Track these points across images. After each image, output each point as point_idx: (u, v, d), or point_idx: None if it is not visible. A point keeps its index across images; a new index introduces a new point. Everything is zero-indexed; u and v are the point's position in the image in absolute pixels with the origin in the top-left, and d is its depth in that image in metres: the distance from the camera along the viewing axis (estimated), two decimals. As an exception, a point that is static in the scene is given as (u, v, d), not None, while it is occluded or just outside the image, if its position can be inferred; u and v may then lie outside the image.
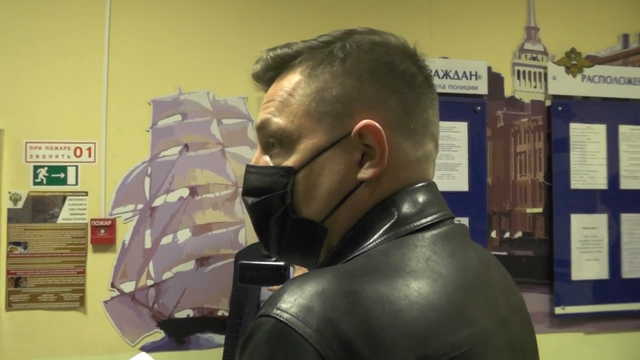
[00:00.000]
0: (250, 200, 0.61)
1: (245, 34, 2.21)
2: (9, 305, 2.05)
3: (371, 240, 0.55)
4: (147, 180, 2.12)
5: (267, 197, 0.59)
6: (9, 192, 2.08)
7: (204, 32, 2.20)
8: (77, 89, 2.10)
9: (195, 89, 2.17)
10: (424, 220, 0.56)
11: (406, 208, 0.56)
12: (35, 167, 2.09)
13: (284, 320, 0.44)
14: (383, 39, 0.61)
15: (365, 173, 0.56)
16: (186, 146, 2.15)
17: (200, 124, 2.16)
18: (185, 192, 2.13)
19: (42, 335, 2.04)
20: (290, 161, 0.58)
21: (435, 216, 0.57)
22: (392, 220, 0.55)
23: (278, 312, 0.45)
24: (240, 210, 2.16)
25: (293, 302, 0.45)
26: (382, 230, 0.55)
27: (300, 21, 2.26)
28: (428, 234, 0.55)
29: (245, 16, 2.23)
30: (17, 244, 2.09)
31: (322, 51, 0.60)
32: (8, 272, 2.06)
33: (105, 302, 2.08)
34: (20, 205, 2.09)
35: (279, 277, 1.08)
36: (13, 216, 2.08)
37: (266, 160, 0.61)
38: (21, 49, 2.08)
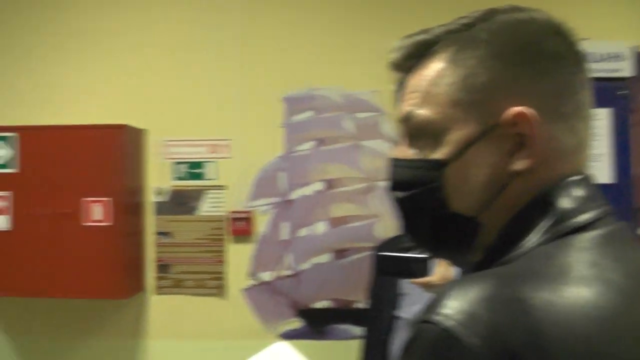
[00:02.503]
0: (398, 194, 0.59)
1: (374, 27, 2.19)
2: (158, 289, 2.22)
3: (529, 238, 0.51)
4: (282, 174, 2.19)
5: (418, 191, 0.57)
6: (154, 187, 2.23)
7: (333, 28, 2.22)
8: (213, 89, 2.20)
9: (326, 84, 2.20)
10: (584, 217, 0.51)
11: (565, 203, 0.52)
12: (176, 164, 2.22)
13: (448, 327, 0.43)
14: (528, 16, 0.56)
15: (518, 164, 0.53)
16: (320, 140, 2.18)
17: (332, 119, 2.19)
18: (320, 186, 2.18)
19: (186, 318, 2.20)
20: (439, 153, 0.55)
21: (595, 212, 0.52)
22: (551, 217, 0.51)
23: (441, 318, 0.43)
24: (374, 204, 2.18)
25: (457, 308, 0.43)
26: (541, 228, 0.51)
27: (430, 12, 2.16)
28: (592, 235, 0.50)
29: (373, 10, 2.22)
30: (163, 234, 2.24)
31: (463, 35, 0.56)
32: (157, 260, 2.23)
33: (245, 290, 2.19)
34: (164, 199, 2.23)
35: (419, 269, 1.06)
36: (158, 209, 2.23)
37: (412, 152, 0.58)
38: (160, 58, 2.22)
